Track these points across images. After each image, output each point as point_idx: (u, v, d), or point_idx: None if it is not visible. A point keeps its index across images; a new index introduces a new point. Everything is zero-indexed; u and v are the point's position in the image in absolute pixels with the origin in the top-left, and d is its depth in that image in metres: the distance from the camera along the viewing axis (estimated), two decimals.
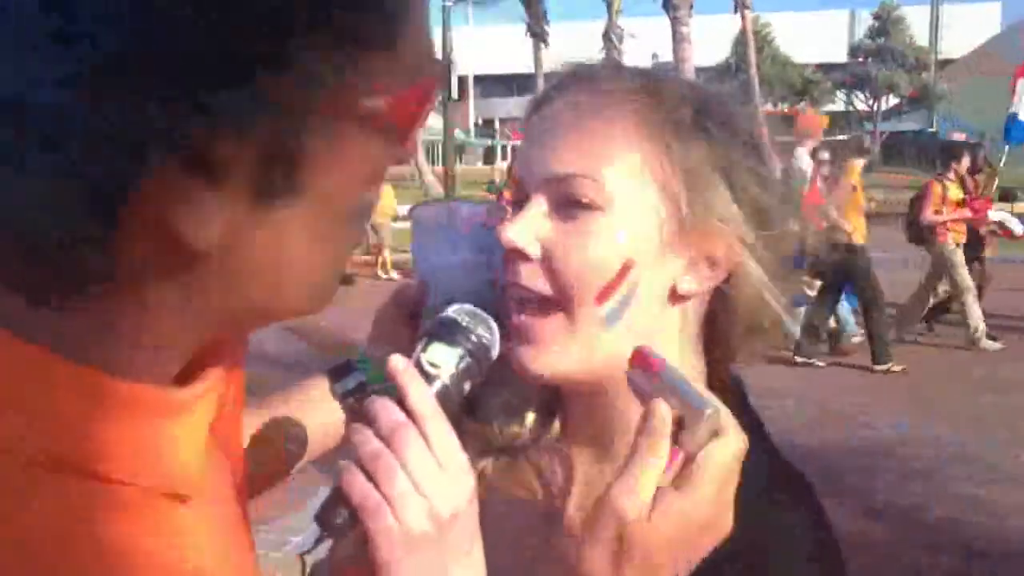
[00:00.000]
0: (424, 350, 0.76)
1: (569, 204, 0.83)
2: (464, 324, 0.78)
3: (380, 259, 15.05)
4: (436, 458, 0.69)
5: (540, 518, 0.93)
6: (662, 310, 0.87)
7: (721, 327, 0.91)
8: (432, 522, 0.69)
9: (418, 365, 0.75)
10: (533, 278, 0.84)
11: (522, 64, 38.28)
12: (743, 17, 36.27)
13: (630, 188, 0.83)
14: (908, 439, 6.43)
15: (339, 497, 0.71)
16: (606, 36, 35.20)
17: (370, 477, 0.69)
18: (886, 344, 8.22)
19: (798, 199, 0.96)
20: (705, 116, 0.85)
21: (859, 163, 8.30)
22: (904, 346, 8.76)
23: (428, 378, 0.74)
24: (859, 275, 8.16)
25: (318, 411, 1.01)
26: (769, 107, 45.82)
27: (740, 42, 41.29)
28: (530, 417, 0.95)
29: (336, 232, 0.60)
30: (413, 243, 0.93)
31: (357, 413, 0.91)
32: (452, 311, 0.79)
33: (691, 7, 22.95)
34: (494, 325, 0.79)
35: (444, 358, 0.76)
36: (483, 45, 59.95)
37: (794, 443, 6.22)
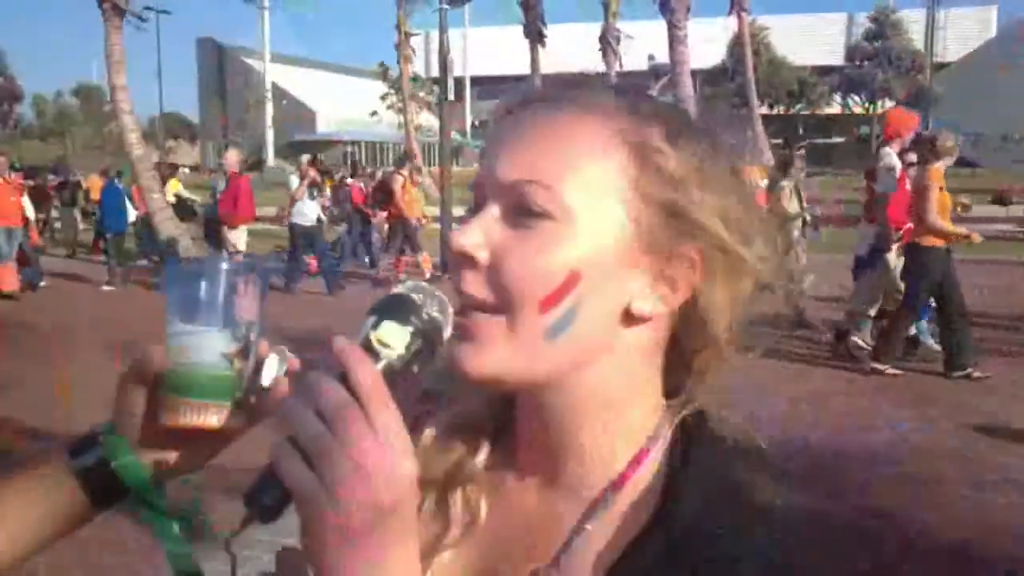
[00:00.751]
0: (374, 327, 0.74)
1: (522, 211, 0.80)
2: (416, 301, 0.76)
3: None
4: (380, 441, 0.67)
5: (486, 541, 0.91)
6: (613, 329, 0.82)
7: (683, 350, 0.88)
8: (372, 510, 0.67)
9: (367, 344, 0.73)
10: (478, 284, 0.81)
11: (519, 66, 38.28)
12: (740, 20, 36.38)
13: (587, 200, 0.80)
14: (908, 439, 6.49)
15: (271, 477, 0.68)
16: (603, 38, 35.26)
17: (307, 458, 0.67)
18: (964, 350, 8.09)
19: (775, 225, 0.90)
20: (677, 136, 0.82)
21: (941, 165, 7.99)
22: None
23: (376, 357, 0.72)
24: (935, 278, 8.03)
25: (49, 492, 0.92)
26: (765, 109, 45.90)
27: (737, 45, 41.30)
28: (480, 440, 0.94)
29: None
30: (167, 305, 0.85)
31: (96, 491, 0.88)
32: (404, 287, 0.77)
33: (688, 10, 22.97)
34: (447, 304, 0.78)
35: (394, 337, 0.73)
36: (480, 46, 59.99)
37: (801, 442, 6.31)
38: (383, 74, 45.86)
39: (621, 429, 0.85)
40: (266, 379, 0.83)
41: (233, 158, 13.34)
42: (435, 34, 19.05)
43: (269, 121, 62.90)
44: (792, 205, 9.78)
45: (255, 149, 57.42)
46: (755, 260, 0.83)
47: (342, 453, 0.66)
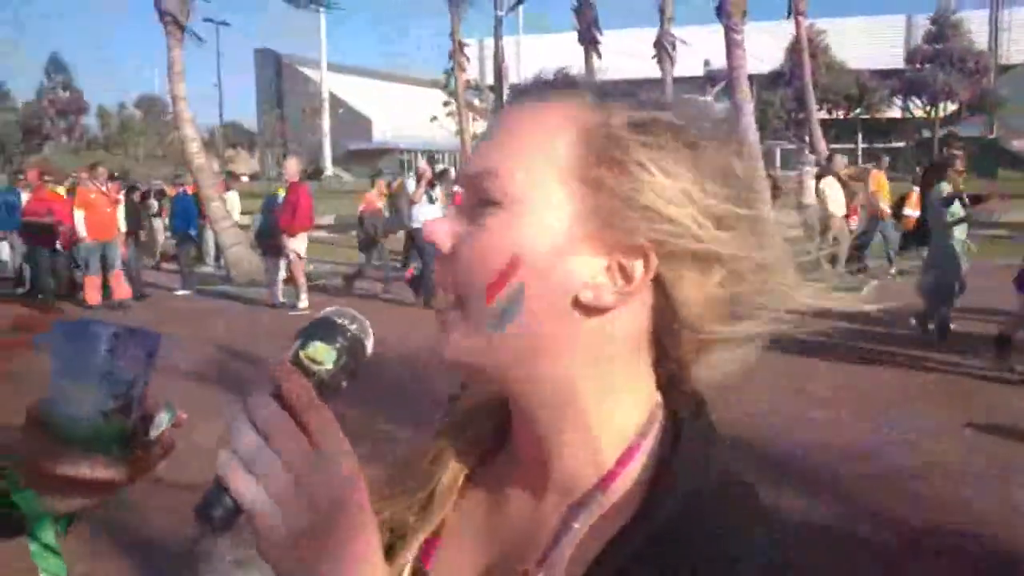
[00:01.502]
0: (303, 347, 0.77)
1: (478, 202, 0.82)
2: (339, 322, 0.78)
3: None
4: (316, 450, 0.70)
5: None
6: (567, 320, 0.80)
7: (666, 340, 0.85)
8: (313, 512, 0.69)
9: (297, 362, 0.76)
10: (443, 274, 0.84)
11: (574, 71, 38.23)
12: (797, 23, 35.94)
13: (532, 186, 0.80)
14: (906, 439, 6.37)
15: (219, 491, 0.70)
16: (658, 44, 35.04)
17: (250, 470, 0.69)
18: None
19: (773, 217, 0.87)
20: (644, 123, 0.80)
21: None
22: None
23: (308, 373, 0.75)
24: None
25: None
26: (823, 114, 45.30)
27: (794, 49, 40.85)
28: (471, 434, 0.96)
29: None
30: (51, 358, 0.87)
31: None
32: (329, 311, 0.80)
33: (744, 14, 22.69)
34: (367, 324, 0.80)
35: (322, 354, 0.76)
36: (534, 54, 60.11)
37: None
38: (443, 82, 46.11)
39: (606, 425, 0.83)
40: (153, 433, 0.86)
41: (293, 167, 13.43)
42: (489, 42, 19.09)
43: (326, 129, 63.67)
44: (955, 208, 9.38)
45: (313, 158, 58.14)
46: (722, 250, 0.79)
47: (278, 463, 0.69)
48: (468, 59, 41.20)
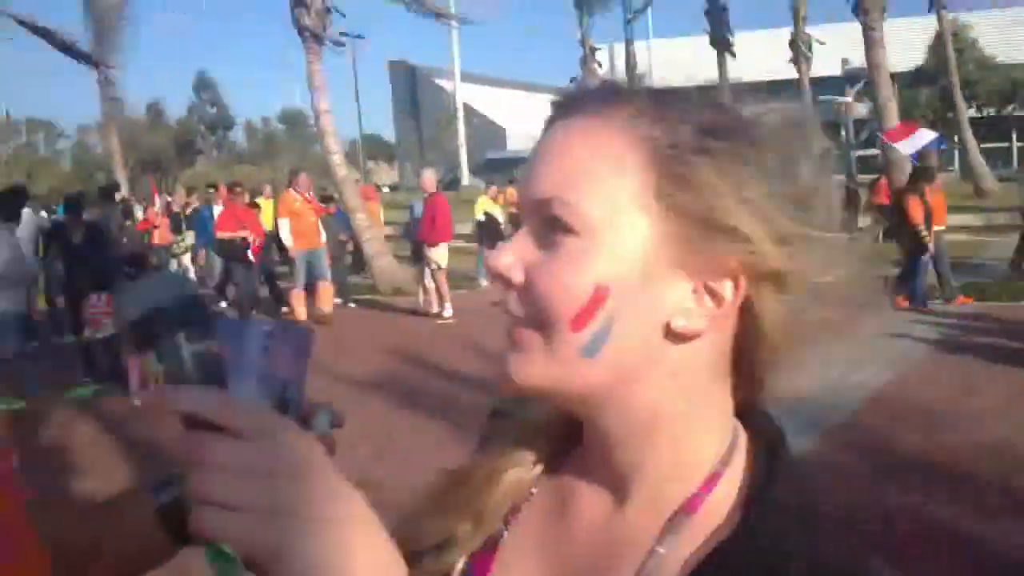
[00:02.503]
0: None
1: (549, 228, 0.80)
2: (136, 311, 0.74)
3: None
4: (248, 436, 0.67)
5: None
6: (656, 346, 0.79)
7: (746, 362, 0.83)
8: (280, 493, 0.66)
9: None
10: (516, 303, 0.82)
11: (706, 75, 37.69)
12: (940, 18, 34.57)
13: (609, 212, 0.78)
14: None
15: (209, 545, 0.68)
16: (793, 44, 34.30)
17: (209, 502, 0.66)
18: None
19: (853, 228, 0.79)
20: (711, 137, 0.78)
21: None
22: None
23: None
24: None
25: (137, 527, 0.99)
26: (973, 112, 43.36)
27: (938, 45, 39.25)
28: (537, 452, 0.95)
29: None
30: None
31: (174, 528, 0.95)
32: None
33: (883, 10, 21.92)
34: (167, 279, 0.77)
35: (150, 365, 0.79)
36: (666, 57, 59.52)
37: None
38: None
39: (689, 449, 0.82)
40: (313, 434, 0.84)
41: (430, 179, 13.69)
42: (619, 47, 19.08)
43: (462, 140, 64.44)
44: None
45: (450, 168, 59.01)
46: (808, 266, 0.78)
47: (215, 478, 0.66)
48: (600, 64, 41.21)
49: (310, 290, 13.81)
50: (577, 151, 0.81)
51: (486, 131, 66.54)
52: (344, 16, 19.78)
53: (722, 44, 36.70)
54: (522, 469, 0.94)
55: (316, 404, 0.89)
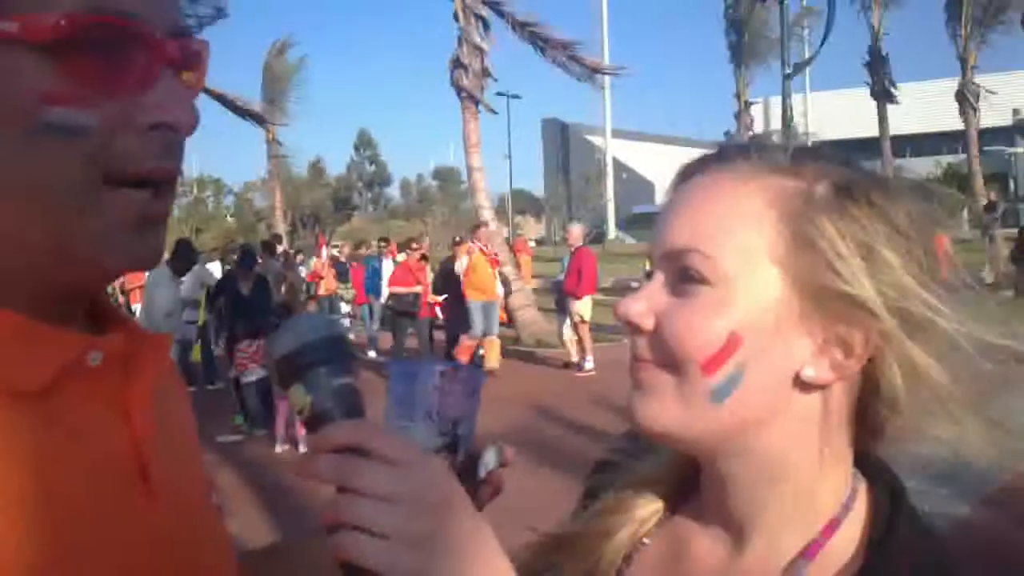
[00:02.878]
0: (291, 395, 0.78)
1: (683, 278, 0.83)
2: (297, 353, 0.78)
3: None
4: (397, 465, 0.70)
5: None
6: (784, 395, 0.81)
7: (871, 416, 0.85)
8: (421, 524, 0.70)
9: (300, 411, 0.78)
10: (645, 348, 0.84)
11: (866, 128, 36.71)
12: None
13: (744, 266, 0.80)
14: None
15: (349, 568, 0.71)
16: (960, 95, 33.00)
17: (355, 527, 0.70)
18: None
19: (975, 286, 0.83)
20: (847, 195, 0.80)
21: None
22: None
23: (319, 418, 0.76)
24: None
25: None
26: None
27: None
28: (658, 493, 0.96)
29: (24, 145, 0.70)
30: (386, 398, 0.90)
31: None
32: (293, 336, 0.79)
33: None
34: (333, 325, 0.82)
35: (299, 399, 0.77)
36: (824, 110, 58.36)
37: None
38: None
39: (809, 496, 0.83)
40: (482, 472, 0.87)
41: (576, 233, 13.74)
42: (775, 100, 18.73)
43: (610, 194, 64.86)
44: None
45: (597, 222, 59.34)
46: (939, 322, 0.78)
47: (363, 502, 0.70)
48: (752, 119, 40.68)
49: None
50: (714, 205, 0.83)
51: (634, 185, 66.76)
52: (496, 80, 20.13)
53: (883, 96, 35.56)
54: (636, 523, 0.95)
55: (486, 442, 0.90)
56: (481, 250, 13.80)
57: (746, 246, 0.80)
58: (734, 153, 0.87)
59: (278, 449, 8.91)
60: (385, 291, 15.65)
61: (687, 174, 0.90)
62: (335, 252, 21.95)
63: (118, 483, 0.77)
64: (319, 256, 21.20)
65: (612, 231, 61.47)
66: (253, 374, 9.65)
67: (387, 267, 16.54)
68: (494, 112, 20.84)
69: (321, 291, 18.59)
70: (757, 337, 0.80)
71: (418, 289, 13.95)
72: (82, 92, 0.71)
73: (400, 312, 14.09)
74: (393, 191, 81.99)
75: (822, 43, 16.62)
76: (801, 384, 0.81)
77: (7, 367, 0.71)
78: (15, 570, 0.66)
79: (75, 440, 0.74)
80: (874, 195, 0.80)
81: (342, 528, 0.70)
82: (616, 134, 68.76)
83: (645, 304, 0.85)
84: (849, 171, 0.83)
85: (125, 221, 0.75)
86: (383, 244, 18.96)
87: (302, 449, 8.46)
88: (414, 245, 15.30)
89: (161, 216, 0.79)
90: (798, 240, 0.79)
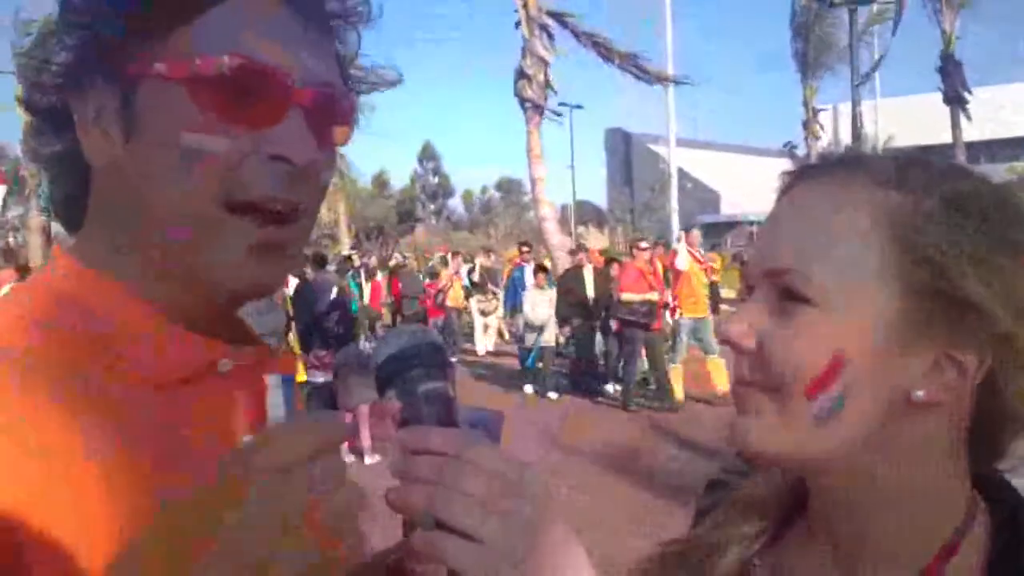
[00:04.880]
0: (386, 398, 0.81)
1: (784, 297, 0.81)
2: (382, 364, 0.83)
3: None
4: (503, 474, 0.72)
5: None
6: (894, 416, 0.79)
7: (986, 430, 0.82)
8: (516, 539, 0.71)
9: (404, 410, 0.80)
10: (749, 368, 0.83)
11: (939, 134, 35.84)
12: None
13: (847, 284, 0.78)
14: None
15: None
16: None
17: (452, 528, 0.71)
18: None
19: None
20: (956, 209, 0.77)
21: None
22: None
23: (411, 422, 0.79)
24: None
25: None
26: None
27: None
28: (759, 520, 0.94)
29: (172, 167, 0.82)
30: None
31: None
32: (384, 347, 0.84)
33: None
34: (420, 333, 0.84)
35: (394, 402, 0.79)
36: (894, 116, 57.28)
37: None
38: (788, 153, 45.22)
39: (922, 519, 0.81)
40: None
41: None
42: (843, 107, 18.38)
43: (674, 205, 64.36)
44: None
45: (662, 232, 58.94)
46: None
47: (463, 499, 0.71)
48: (822, 126, 40.00)
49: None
50: (815, 222, 0.80)
51: (700, 195, 66.04)
52: (556, 92, 20.02)
53: (956, 101, 34.69)
54: (744, 545, 0.92)
55: None
56: (694, 256, 11.88)
57: (850, 264, 0.78)
58: (835, 165, 0.84)
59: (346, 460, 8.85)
60: (530, 305, 13.16)
61: (787, 187, 0.87)
62: (482, 260, 19.72)
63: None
64: (446, 266, 18.65)
65: (676, 242, 60.92)
66: (320, 376, 9.87)
67: (530, 275, 14.67)
68: (559, 116, 20.69)
69: (450, 302, 17.32)
70: (862, 359, 0.77)
71: (654, 296, 11.39)
72: (214, 122, 0.82)
73: (631, 323, 11.37)
74: (456, 202, 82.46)
75: (883, 54, 16.23)
76: (912, 405, 0.78)
77: (149, 359, 0.83)
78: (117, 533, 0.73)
79: (195, 429, 0.84)
80: (987, 207, 0.77)
81: (443, 525, 0.71)
82: (681, 143, 68.12)
83: (746, 324, 0.83)
84: (958, 182, 0.79)
85: (246, 247, 0.85)
86: (525, 250, 16.44)
87: (367, 460, 8.53)
88: (642, 244, 12.09)
89: (282, 244, 0.88)
90: (907, 256, 0.77)
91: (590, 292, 12.36)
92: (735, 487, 0.98)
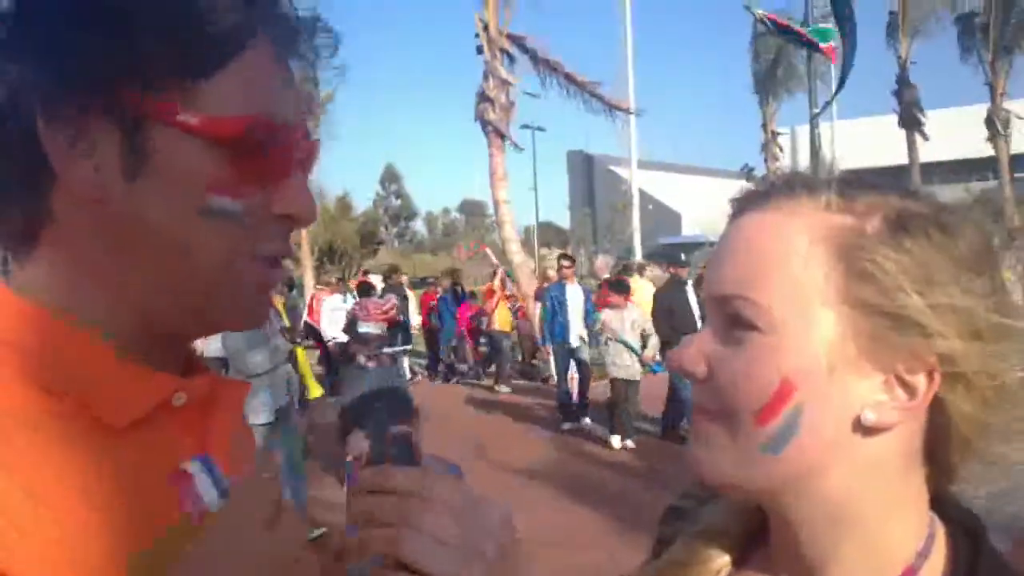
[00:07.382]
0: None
1: (732, 324, 0.80)
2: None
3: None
4: (467, 501, 0.76)
5: None
6: (846, 440, 0.78)
7: (940, 453, 0.82)
8: (480, 543, 0.74)
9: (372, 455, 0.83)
10: (701, 394, 0.83)
11: (895, 156, 36.40)
12: None
13: (793, 309, 0.77)
14: None
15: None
16: (989, 121, 32.73)
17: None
18: None
19: None
20: (901, 228, 0.76)
21: None
22: None
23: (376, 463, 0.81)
24: None
25: None
26: None
27: None
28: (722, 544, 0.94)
29: (188, 221, 0.81)
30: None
31: None
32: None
33: None
34: (394, 378, 0.84)
35: (354, 446, 0.78)
36: (851, 139, 58.10)
37: None
38: (746, 175, 45.76)
39: (882, 541, 0.80)
40: None
41: (603, 263, 13.68)
42: (801, 129, 18.67)
43: (636, 225, 64.70)
44: None
45: (623, 253, 59.18)
46: (1005, 360, 0.76)
47: (432, 506, 0.75)
48: (780, 148, 40.52)
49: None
50: (760, 248, 0.80)
51: (661, 216, 66.49)
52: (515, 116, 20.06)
53: (912, 123, 35.28)
54: (708, 573, 0.92)
55: None
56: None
57: (794, 288, 0.77)
58: (779, 189, 0.83)
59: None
60: (575, 332, 11.43)
61: (735, 212, 0.87)
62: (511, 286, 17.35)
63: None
64: (496, 283, 16.44)
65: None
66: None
67: (573, 294, 11.59)
68: (520, 148, 20.82)
69: (496, 325, 15.71)
70: (811, 383, 0.77)
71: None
72: (238, 183, 0.82)
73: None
74: (419, 225, 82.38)
75: (839, 86, 16.63)
76: (864, 428, 0.78)
77: (105, 401, 0.81)
78: None
79: (156, 470, 0.84)
80: (931, 228, 0.77)
81: (412, 531, 0.73)
82: (642, 165, 68.49)
83: (696, 351, 0.83)
84: (902, 202, 0.79)
85: (253, 287, 0.87)
86: (566, 263, 12.31)
87: None
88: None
89: (275, 284, 0.93)
90: (851, 278, 0.76)
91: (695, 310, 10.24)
92: (693, 516, 0.98)
